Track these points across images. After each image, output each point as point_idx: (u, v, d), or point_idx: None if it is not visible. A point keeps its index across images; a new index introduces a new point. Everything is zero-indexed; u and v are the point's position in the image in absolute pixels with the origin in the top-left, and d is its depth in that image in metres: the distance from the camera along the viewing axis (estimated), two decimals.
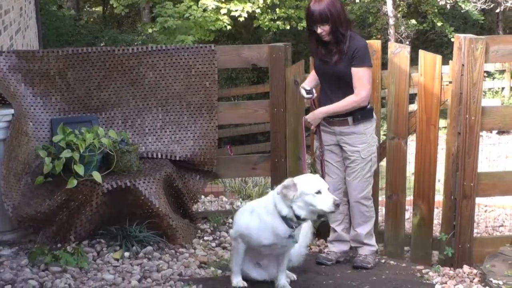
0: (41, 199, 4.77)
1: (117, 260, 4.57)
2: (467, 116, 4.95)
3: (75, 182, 4.64)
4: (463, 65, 4.92)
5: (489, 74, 17.25)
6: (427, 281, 4.69)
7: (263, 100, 5.85)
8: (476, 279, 4.79)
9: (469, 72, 4.90)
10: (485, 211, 8.01)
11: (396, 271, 4.89)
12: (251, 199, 6.49)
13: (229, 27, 16.77)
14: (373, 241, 4.95)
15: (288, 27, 17.56)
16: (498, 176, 5.45)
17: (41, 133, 5.13)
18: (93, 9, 23.66)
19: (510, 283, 4.44)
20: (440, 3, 18.22)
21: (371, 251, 4.92)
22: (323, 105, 4.73)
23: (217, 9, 16.38)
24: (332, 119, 4.72)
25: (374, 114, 4.81)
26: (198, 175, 5.50)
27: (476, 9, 18.11)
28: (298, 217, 3.84)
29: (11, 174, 4.72)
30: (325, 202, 3.78)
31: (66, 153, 4.67)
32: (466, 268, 5.02)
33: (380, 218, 5.54)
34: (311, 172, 4.78)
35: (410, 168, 5.40)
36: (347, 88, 4.62)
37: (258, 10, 16.85)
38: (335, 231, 4.98)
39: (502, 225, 7.41)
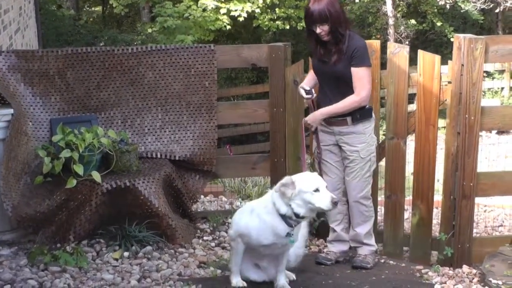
0: (40, 199, 4.77)
1: (117, 260, 4.57)
2: (466, 116, 4.95)
3: (74, 182, 4.64)
4: (462, 65, 4.92)
5: (488, 74, 17.25)
6: (427, 281, 4.69)
7: (262, 100, 5.85)
8: (475, 279, 4.79)
9: (469, 72, 4.90)
10: (485, 211, 8.00)
11: (396, 271, 4.89)
12: (251, 199, 6.50)
13: (228, 27, 16.77)
14: (372, 241, 4.95)
15: (287, 27, 17.56)
16: (498, 176, 5.45)
17: (40, 133, 5.13)
18: (93, 8, 23.66)
19: (509, 283, 4.44)
20: (440, 3, 18.23)
21: (370, 251, 4.92)
22: (322, 106, 4.73)
23: (217, 9, 16.39)
24: (331, 119, 4.71)
25: (373, 114, 4.82)
26: (197, 175, 5.50)
27: (476, 9, 18.12)
28: (297, 215, 3.85)
29: (10, 174, 4.72)
30: (323, 200, 3.79)
31: (65, 153, 4.67)
32: (465, 268, 5.02)
33: (379, 218, 5.54)
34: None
35: (410, 168, 5.39)
36: (346, 88, 4.62)
37: (257, 10, 16.85)
38: (334, 231, 4.98)
39: (501, 225, 7.40)
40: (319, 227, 5.43)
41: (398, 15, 19.15)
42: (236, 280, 4.07)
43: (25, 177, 4.87)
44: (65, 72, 5.23)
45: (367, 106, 4.71)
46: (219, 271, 4.46)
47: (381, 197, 5.57)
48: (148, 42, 15.26)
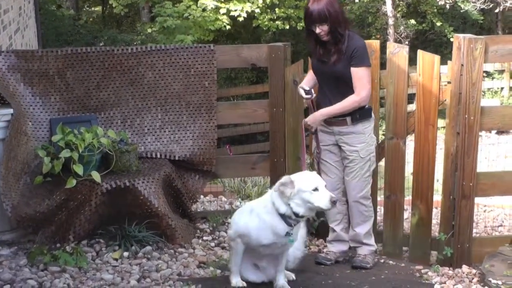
0: (40, 199, 4.77)
1: (116, 260, 4.57)
2: (466, 116, 4.95)
3: (74, 182, 4.64)
4: (462, 65, 4.92)
5: (488, 74, 17.25)
6: (426, 281, 4.69)
7: (262, 100, 5.85)
8: (475, 279, 4.79)
9: (468, 72, 4.90)
10: (484, 211, 8.00)
11: (395, 271, 4.89)
12: (250, 199, 6.49)
13: (228, 27, 16.77)
14: (372, 240, 4.95)
15: (287, 27, 17.56)
16: (497, 176, 5.45)
17: (40, 132, 5.13)
18: (92, 8, 23.65)
19: (509, 283, 4.44)
20: (440, 3, 18.23)
21: (370, 251, 4.92)
22: (322, 106, 4.73)
23: (217, 8, 16.38)
24: (330, 119, 4.71)
25: (372, 114, 4.82)
26: (197, 175, 5.49)
27: (476, 9, 18.12)
28: (296, 215, 3.85)
29: (10, 173, 4.72)
30: (322, 199, 3.79)
31: (65, 153, 4.67)
32: (465, 268, 5.02)
33: (378, 218, 5.54)
34: None
35: (409, 168, 5.39)
36: (346, 88, 4.62)
37: (257, 10, 16.84)
38: (334, 231, 4.98)
39: (501, 225, 7.40)
40: (319, 227, 5.44)
41: (398, 15, 19.15)
42: (235, 280, 4.07)
43: (24, 177, 4.87)
44: (65, 72, 5.23)
45: (367, 106, 4.71)
46: (218, 271, 4.46)
47: (380, 197, 5.57)
48: (148, 42, 15.26)
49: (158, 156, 5.34)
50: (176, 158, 5.36)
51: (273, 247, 3.98)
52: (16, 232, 4.92)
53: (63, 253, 4.39)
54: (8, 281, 4.04)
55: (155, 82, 5.34)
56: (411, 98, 5.33)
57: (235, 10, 16.38)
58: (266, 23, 17.39)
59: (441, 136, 5.44)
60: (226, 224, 5.48)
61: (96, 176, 4.65)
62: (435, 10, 19.10)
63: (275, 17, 17.55)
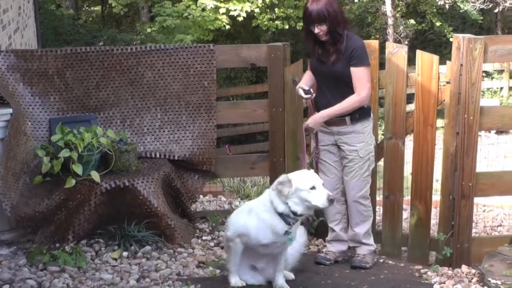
0: (39, 199, 4.77)
1: (116, 259, 4.57)
2: (465, 116, 4.95)
3: (73, 181, 4.64)
4: (461, 65, 4.92)
5: (487, 74, 17.25)
6: (426, 281, 4.69)
7: (261, 99, 5.85)
8: (474, 279, 4.79)
9: (468, 72, 4.90)
10: (484, 211, 8.01)
11: (395, 270, 4.89)
12: (250, 199, 6.49)
13: (228, 27, 16.76)
14: (371, 240, 4.95)
15: (286, 27, 17.55)
16: (497, 176, 5.45)
17: (39, 132, 5.12)
18: (92, 8, 23.64)
19: (508, 282, 4.44)
20: (439, 3, 18.22)
21: (369, 251, 4.92)
22: (321, 106, 4.73)
23: (216, 8, 16.38)
24: (330, 119, 4.71)
25: (371, 113, 4.82)
26: (196, 175, 5.49)
27: (475, 9, 18.12)
28: (294, 213, 3.86)
29: (9, 173, 4.72)
30: (319, 197, 3.80)
31: (64, 153, 4.67)
32: (464, 268, 5.02)
33: (377, 218, 5.54)
34: None
35: (408, 168, 5.39)
36: (345, 88, 4.62)
37: (257, 10, 16.84)
38: (333, 230, 4.98)
39: (500, 225, 7.41)
40: (318, 227, 5.43)
41: (397, 15, 19.15)
42: (234, 280, 4.07)
43: (24, 177, 4.87)
44: (64, 72, 5.22)
45: (366, 106, 4.71)
46: (218, 271, 4.46)
47: (379, 197, 5.57)
48: (147, 41, 15.25)
49: (158, 156, 5.34)
50: (176, 158, 5.36)
51: (273, 247, 3.98)
52: (15, 231, 4.92)
53: (62, 253, 4.39)
54: (8, 281, 4.04)
55: (154, 82, 5.34)
56: (410, 98, 5.32)
57: (235, 10, 16.37)
58: (266, 23, 17.39)
59: (440, 136, 5.44)
60: (226, 224, 5.47)
61: (95, 176, 4.65)
62: (435, 10, 19.10)
63: (274, 17, 17.54)
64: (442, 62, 5.20)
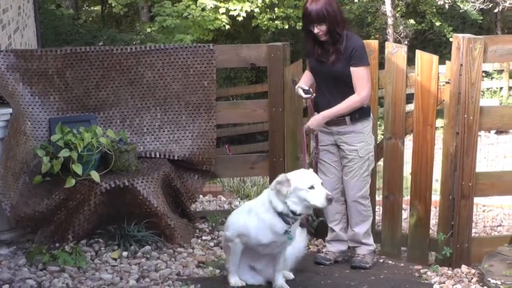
0: (39, 199, 4.77)
1: (115, 259, 4.57)
2: (465, 116, 4.95)
3: (73, 181, 4.64)
4: (461, 65, 4.92)
5: (487, 74, 17.25)
6: (426, 281, 4.70)
7: (261, 99, 5.85)
8: (474, 279, 4.79)
9: (468, 72, 4.90)
10: (483, 210, 8.00)
11: (395, 270, 4.89)
12: (250, 199, 6.49)
13: (227, 27, 16.76)
14: (371, 240, 4.95)
15: (286, 27, 17.55)
16: (497, 176, 5.45)
17: (39, 132, 5.12)
18: (92, 8, 23.63)
19: (508, 282, 4.45)
20: (439, 3, 18.22)
21: (369, 251, 4.92)
22: (320, 106, 4.72)
23: (216, 8, 16.37)
24: (329, 119, 4.71)
25: (371, 113, 4.82)
26: (196, 175, 5.49)
27: (475, 9, 18.12)
28: (294, 213, 3.86)
29: (9, 173, 4.72)
30: (318, 197, 3.80)
31: (64, 153, 4.67)
32: (464, 268, 5.02)
33: (377, 218, 5.54)
34: None
35: (408, 168, 5.39)
36: (345, 88, 4.62)
37: (256, 10, 16.83)
38: (333, 230, 4.98)
39: (500, 225, 7.40)
40: (318, 227, 5.43)
41: (397, 15, 19.15)
42: (234, 279, 4.07)
43: (23, 177, 4.87)
44: (64, 72, 5.22)
45: (366, 105, 4.71)
46: (217, 270, 4.46)
47: (379, 197, 5.57)
48: (147, 41, 15.24)
49: (157, 155, 5.34)
50: (175, 158, 5.36)
51: (272, 246, 3.98)
52: (15, 231, 4.92)
53: (62, 253, 4.39)
54: (7, 281, 4.04)
55: (154, 82, 5.34)
56: (410, 98, 5.32)
57: (234, 10, 16.37)
58: (265, 22, 17.38)
59: (439, 136, 5.44)
60: (225, 224, 5.48)
61: (95, 175, 4.65)
62: (434, 10, 19.10)
63: (274, 17, 17.54)
64: (442, 62, 5.20)
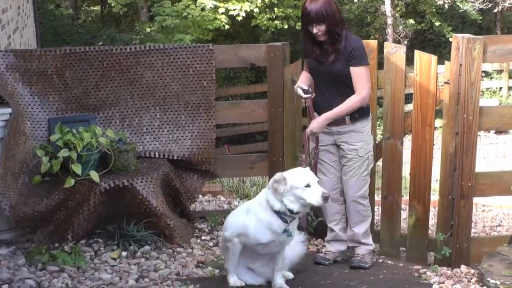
0: (38, 198, 4.77)
1: (115, 259, 4.57)
2: (465, 116, 4.95)
3: (72, 181, 4.64)
4: (461, 65, 4.92)
5: (487, 74, 17.25)
6: (425, 281, 4.69)
7: (261, 99, 5.86)
8: (473, 279, 4.79)
9: (467, 72, 4.90)
10: (483, 210, 8.00)
11: (394, 270, 4.89)
12: (249, 199, 6.49)
13: (227, 26, 16.75)
14: (370, 240, 4.95)
15: (286, 27, 17.54)
16: (496, 176, 5.44)
17: (38, 132, 5.12)
18: (91, 8, 23.61)
19: (507, 283, 4.44)
20: (438, 3, 18.22)
21: (368, 250, 4.92)
22: (320, 106, 4.72)
23: (215, 8, 16.36)
24: None
25: (370, 113, 4.82)
26: (195, 175, 5.50)
27: (474, 9, 18.12)
28: (291, 211, 3.87)
29: (8, 173, 4.72)
30: (314, 195, 3.82)
31: (63, 152, 4.67)
32: (463, 268, 5.01)
33: (376, 218, 5.53)
34: None
35: (407, 168, 5.39)
36: (345, 88, 4.62)
37: (256, 9, 16.82)
38: (332, 230, 4.98)
39: (499, 225, 7.40)
40: (317, 227, 5.43)
41: (397, 14, 19.15)
42: (233, 279, 4.08)
43: (23, 177, 4.87)
44: (64, 72, 5.22)
45: (365, 105, 4.71)
46: (217, 270, 4.46)
47: (378, 197, 5.56)
48: (147, 41, 15.24)
49: (157, 155, 5.34)
50: (175, 158, 5.36)
51: (271, 245, 3.99)
52: (14, 231, 4.92)
53: (61, 253, 4.39)
54: (7, 281, 4.04)
55: (153, 82, 5.34)
56: (409, 98, 5.32)
57: (234, 10, 16.36)
58: (265, 22, 17.38)
59: (438, 136, 5.44)
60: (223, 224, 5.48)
61: (94, 175, 4.65)
62: (434, 10, 19.09)
63: (274, 17, 17.53)
64: (441, 62, 5.20)
